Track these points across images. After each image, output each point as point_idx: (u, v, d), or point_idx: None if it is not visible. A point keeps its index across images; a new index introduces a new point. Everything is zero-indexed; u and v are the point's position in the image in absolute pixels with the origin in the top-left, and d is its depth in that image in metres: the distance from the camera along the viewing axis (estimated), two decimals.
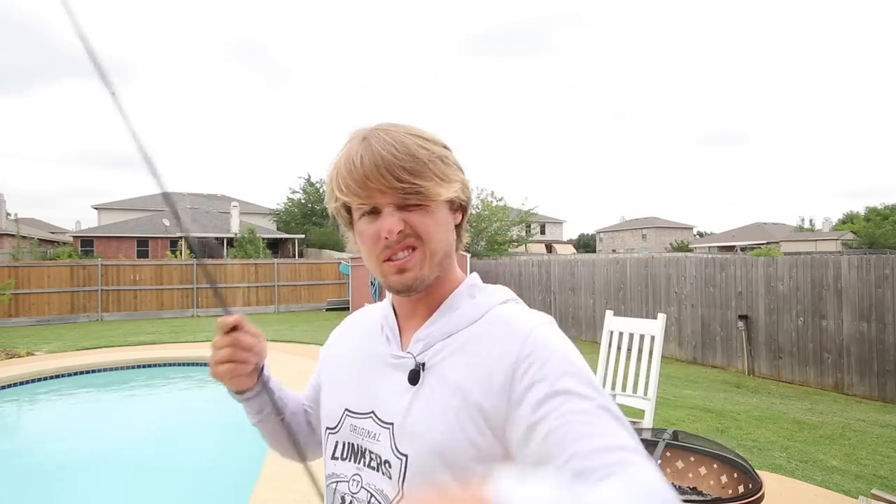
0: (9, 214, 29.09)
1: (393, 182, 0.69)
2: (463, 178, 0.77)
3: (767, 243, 38.89)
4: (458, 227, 0.79)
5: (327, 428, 0.84)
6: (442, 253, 0.75)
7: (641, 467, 0.54)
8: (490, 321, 0.74)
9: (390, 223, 0.70)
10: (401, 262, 0.73)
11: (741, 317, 7.55)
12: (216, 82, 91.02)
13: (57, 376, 7.35)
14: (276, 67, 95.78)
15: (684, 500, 2.60)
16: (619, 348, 4.06)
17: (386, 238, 0.71)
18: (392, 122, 0.76)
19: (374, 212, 0.73)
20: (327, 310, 17.00)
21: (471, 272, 0.88)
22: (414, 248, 0.73)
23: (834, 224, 45.00)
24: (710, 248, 45.49)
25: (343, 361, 0.88)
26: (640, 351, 3.90)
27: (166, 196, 0.74)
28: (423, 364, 0.74)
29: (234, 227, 27.91)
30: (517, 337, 0.69)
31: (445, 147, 0.77)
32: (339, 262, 18.40)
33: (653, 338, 3.81)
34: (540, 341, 0.67)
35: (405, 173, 0.69)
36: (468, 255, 15.33)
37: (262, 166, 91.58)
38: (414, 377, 0.73)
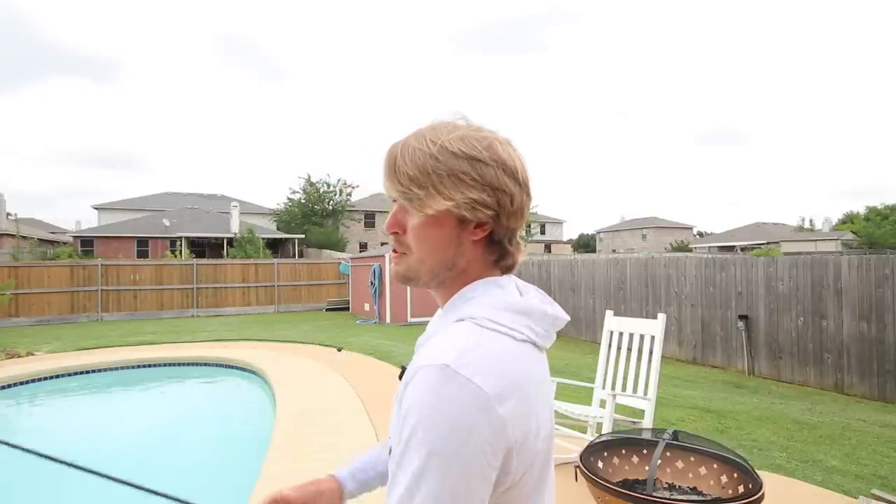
0: (9, 214, 29.07)
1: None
2: (472, 195, 0.70)
3: (767, 243, 38.87)
4: (479, 241, 0.74)
5: None
6: (429, 265, 0.74)
7: None
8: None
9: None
10: (394, 257, 0.79)
11: (741, 317, 7.55)
12: (215, 81, 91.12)
13: (57, 376, 7.35)
14: (275, 66, 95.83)
15: (684, 500, 2.60)
16: (619, 348, 4.06)
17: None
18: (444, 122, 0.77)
19: None
20: (327, 310, 17.00)
21: None
22: (404, 254, 0.76)
23: (834, 224, 44.98)
24: (710, 248, 45.47)
25: None
26: (640, 351, 3.90)
27: None
28: None
29: (234, 227, 27.89)
30: (407, 373, 0.66)
31: (467, 158, 0.71)
32: (339, 262, 18.40)
33: (653, 338, 3.81)
34: (409, 389, 0.63)
35: (403, 178, 0.72)
36: None
37: (262, 166, 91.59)
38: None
